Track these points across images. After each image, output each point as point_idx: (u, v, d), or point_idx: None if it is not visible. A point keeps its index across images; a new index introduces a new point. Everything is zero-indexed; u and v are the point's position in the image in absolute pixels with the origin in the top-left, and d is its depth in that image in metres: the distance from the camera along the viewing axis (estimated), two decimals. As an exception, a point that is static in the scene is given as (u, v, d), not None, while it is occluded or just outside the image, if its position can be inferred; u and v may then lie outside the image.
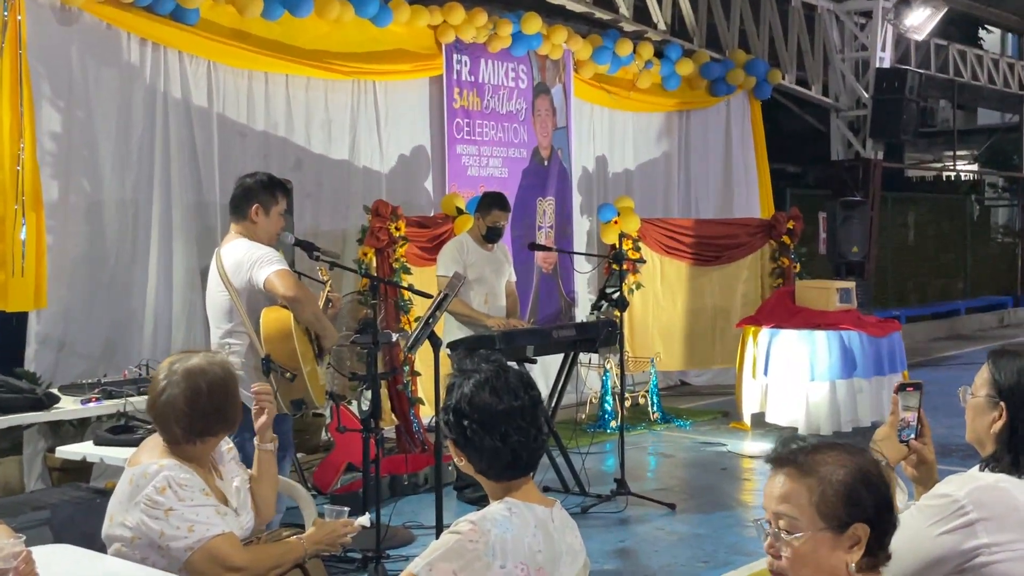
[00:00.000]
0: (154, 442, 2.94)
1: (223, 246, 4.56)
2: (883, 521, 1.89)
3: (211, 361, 2.92)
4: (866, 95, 12.64)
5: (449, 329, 6.37)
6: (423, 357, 7.18)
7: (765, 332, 8.22)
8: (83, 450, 4.43)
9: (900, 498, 2.28)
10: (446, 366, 5.30)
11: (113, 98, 6.58)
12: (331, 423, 6.68)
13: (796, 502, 1.88)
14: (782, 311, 8.40)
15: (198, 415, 2.84)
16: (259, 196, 4.56)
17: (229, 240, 4.57)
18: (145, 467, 2.82)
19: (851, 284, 8.59)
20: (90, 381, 5.17)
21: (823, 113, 13.25)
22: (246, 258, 4.42)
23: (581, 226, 9.91)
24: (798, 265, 10.18)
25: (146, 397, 4.86)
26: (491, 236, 6.50)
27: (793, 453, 1.93)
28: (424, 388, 7.48)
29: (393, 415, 7.31)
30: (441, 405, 2.37)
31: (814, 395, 7.96)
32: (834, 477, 1.87)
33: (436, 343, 4.99)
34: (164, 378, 2.88)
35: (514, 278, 6.83)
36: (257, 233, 4.55)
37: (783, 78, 11.77)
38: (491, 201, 6.55)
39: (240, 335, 4.47)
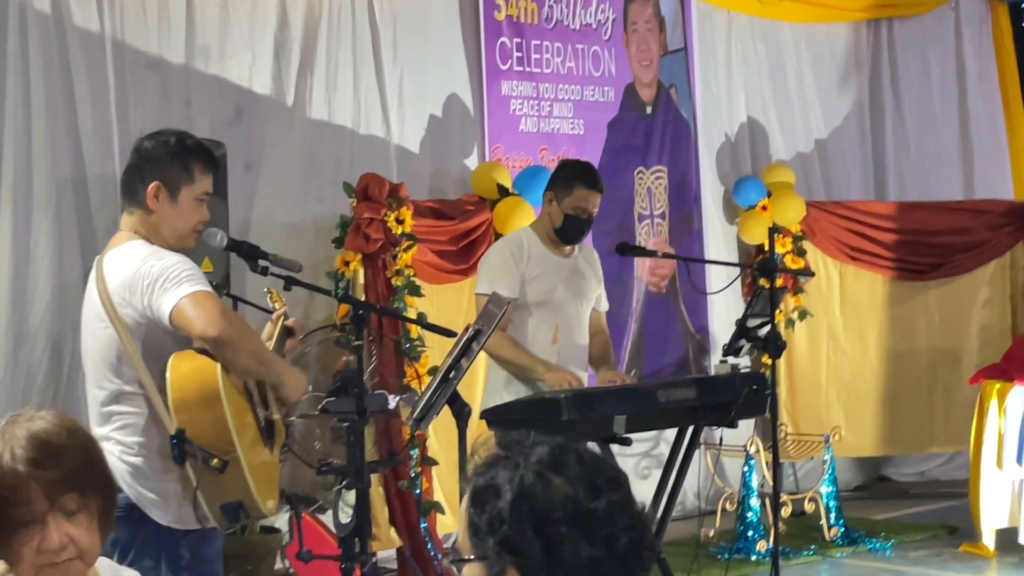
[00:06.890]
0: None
1: (107, 252, 4.58)
2: None
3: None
4: None
5: (494, 387, 6.39)
6: (441, 434, 7.20)
7: (1020, 392, 8.13)
8: None
9: None
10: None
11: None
12: (289, 544, 6.71)
13: None
14: (1048, 357, 8.32)
15: None
16: (160, 169, 4.56)
17: (117, 243, 4.58)
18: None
19: None
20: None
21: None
22: (142, 274, 4.41)
23: (716, 214, 9.90)
24: (1075, 279, 10.09)
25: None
26: (571, 231, 6.53)
27: None
28: (444, 486, 7.51)
29: (393, 531, 7.37)
30: (483, 514, 2.34)
31: (1104, 499, 7.87)
32: None
33: (462, 411, 5.01)
34: None
35: (605, 305, 6.91)
36: (160, 230, 4.56)
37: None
38: (572, 172, 6.61)
39: (133, 399, 4.47)
